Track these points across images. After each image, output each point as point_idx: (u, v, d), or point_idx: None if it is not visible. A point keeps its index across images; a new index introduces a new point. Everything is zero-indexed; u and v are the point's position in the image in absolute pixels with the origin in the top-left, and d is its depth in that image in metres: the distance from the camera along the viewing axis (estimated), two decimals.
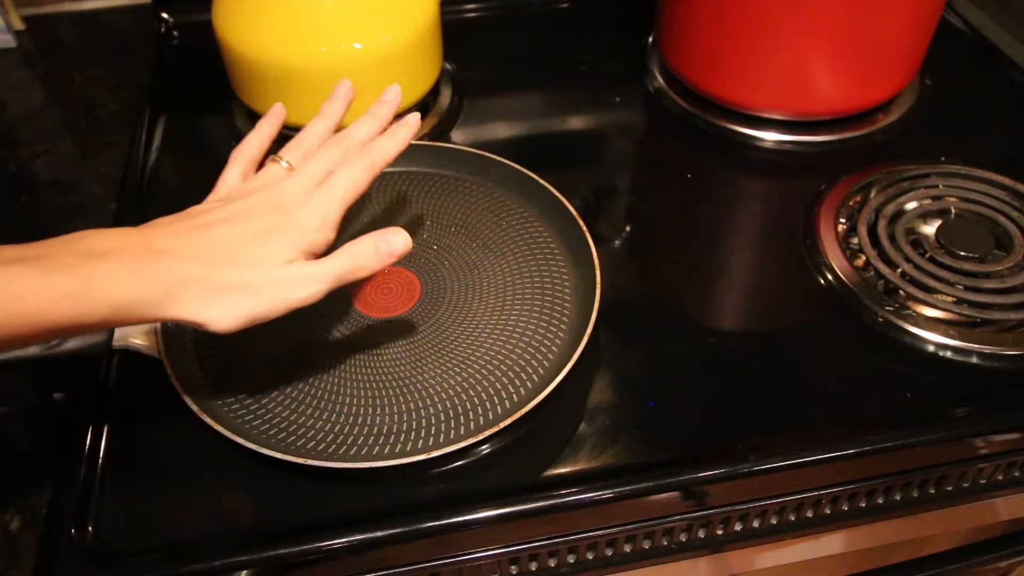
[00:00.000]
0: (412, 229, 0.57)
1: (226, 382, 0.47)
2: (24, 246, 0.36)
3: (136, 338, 0.46)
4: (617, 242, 0.59)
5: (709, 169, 0.65)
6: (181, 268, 0.37)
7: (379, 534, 0.41)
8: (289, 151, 0.46)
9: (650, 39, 0.78)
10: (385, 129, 0.47)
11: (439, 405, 0.46)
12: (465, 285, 0.53)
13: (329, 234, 0.42)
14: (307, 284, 0.40)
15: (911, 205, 0.59)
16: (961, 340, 0.50)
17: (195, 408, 0.44)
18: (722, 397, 0.48)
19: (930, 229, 0.57)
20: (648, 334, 0.52)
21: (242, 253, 0.39)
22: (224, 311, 0.38)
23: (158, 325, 0.47)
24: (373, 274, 0.42)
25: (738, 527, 0.48)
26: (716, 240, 0.59)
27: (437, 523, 0.42)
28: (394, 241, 0.41)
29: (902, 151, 0.65)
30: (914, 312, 0.52)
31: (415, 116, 0.47)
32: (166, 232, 0.39)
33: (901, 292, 0.53)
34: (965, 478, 0.50)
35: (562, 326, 0.50)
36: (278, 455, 0.42)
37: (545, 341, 0.49)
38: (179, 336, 0.49)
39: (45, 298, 0.34)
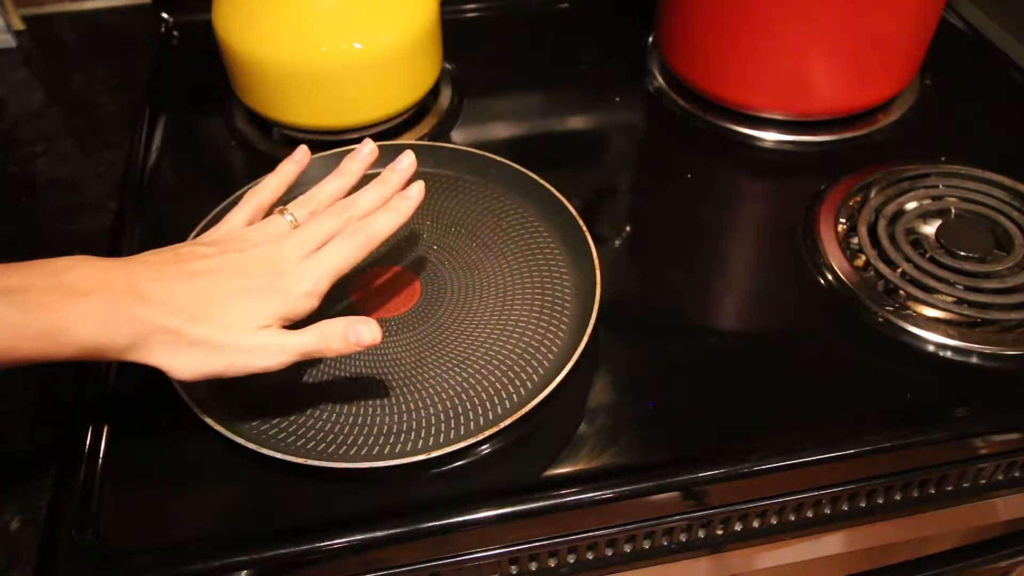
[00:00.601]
0: (412, 229, 0.57)
1: (225, 382, 0.47)
2: (10, 270, 0.36)
3: None
4: (617, 242, 0.59)
5: (709, 169, 0.65)
6: (159, 317, 0.38)
7: (379, 534, 0.41)
8: (298, 205, 0.46)
9: (650, 39, 0.77)
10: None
11: (439, 405, 0.46)
12: (465, 285, 0.53)
13: (313, 303, 0.43)
14: (273, 354, 0.41)
15: (911, 205, 0.59)
16: (961, 340, 0.50)
17: (195, 408, 0.44)
18: (722, 397, 0.48)
19: (930, 229, 0.57)
20: (648, 334, 0.52)
21: (222, 311, 0.40)
22: (186, 364, 0.39)
23: None
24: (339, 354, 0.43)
25: (738, 527, 0.48)
26: (716, 240, 0.59)
27: (437, 523, 0.42)
28: (363, 333, 0.42)
29: (902, 151, 0.65)
30: (914, 312, 0.52)
31: (419, 186, 0.47)
32: (154, 273, 0.39)
33: (901, 292, 0.53)
34: (965, 478, 0.50)
35: (562, 326, 0.50)
36: (278, 455, 0.42)
37: (545, 341, 0.49)
38: None
39: (16, 336, 0.35)
